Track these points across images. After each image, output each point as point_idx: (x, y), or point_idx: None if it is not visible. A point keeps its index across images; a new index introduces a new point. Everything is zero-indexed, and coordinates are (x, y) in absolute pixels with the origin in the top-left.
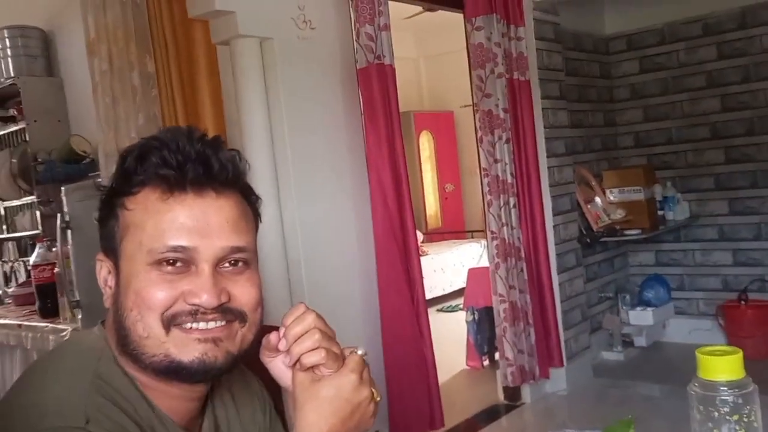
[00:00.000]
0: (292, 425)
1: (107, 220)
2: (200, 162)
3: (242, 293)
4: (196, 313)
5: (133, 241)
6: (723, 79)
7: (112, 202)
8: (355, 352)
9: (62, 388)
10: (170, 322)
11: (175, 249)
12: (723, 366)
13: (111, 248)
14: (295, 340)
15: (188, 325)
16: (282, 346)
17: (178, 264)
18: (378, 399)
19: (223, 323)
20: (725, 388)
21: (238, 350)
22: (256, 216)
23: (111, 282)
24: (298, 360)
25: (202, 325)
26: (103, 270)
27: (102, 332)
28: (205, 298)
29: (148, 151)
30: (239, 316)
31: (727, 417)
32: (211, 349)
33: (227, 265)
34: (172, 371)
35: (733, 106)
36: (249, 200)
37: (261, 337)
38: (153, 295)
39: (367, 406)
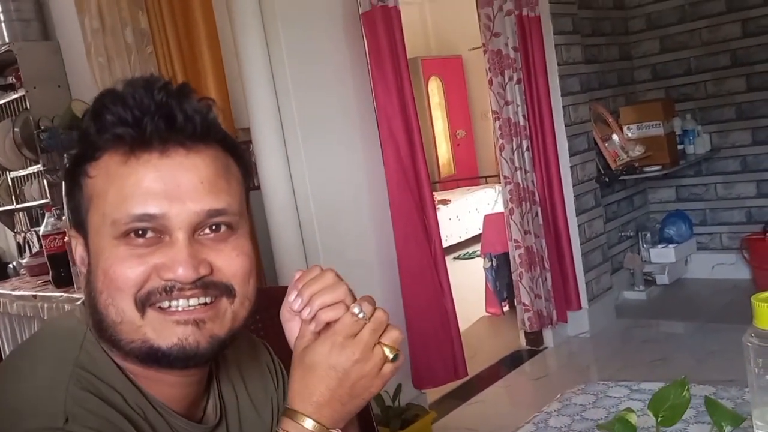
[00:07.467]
0: None
1: (73, 191)
2: (161, 115)
3: (228, 264)
4: (171, 290)
5: (96, 212)
6: (744, 2)
7: (75, 170)
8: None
9: (38, 383)
10: (145, 302)
11: (140, 218)
12: None
13: (80, 223)
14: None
15: (165, 304)
16: (297, 305)
17: (149, 235)
18: (390, 357)
19: (208, 300)
20: None
21: (227, 332)
22: (246, 173)
23: (87, 260)
24: (314, 318)
25: (182, 303)
26: (79, 247)
27: (83, 314)
28: (181, 272)
29: (103, 109)
30: (225, 291)
31: None
32: (192, 333)
33: (207, 231)
34: (153, 358)
35: (755, 30)
36: (235, 155)
37: (257, 310)
38: (121, 273)
39: (360, 370)
